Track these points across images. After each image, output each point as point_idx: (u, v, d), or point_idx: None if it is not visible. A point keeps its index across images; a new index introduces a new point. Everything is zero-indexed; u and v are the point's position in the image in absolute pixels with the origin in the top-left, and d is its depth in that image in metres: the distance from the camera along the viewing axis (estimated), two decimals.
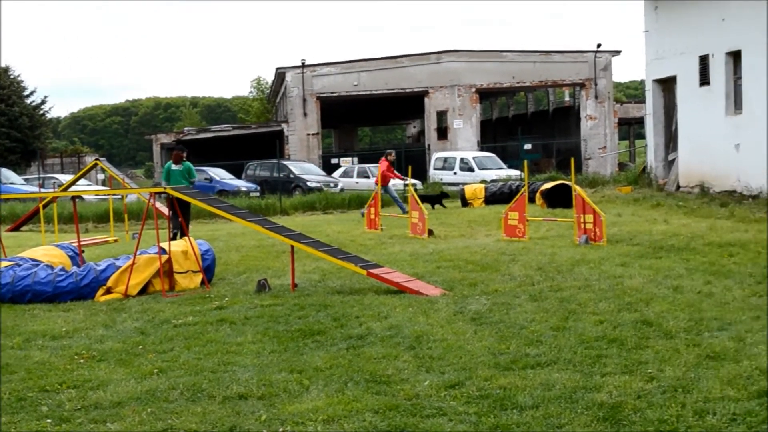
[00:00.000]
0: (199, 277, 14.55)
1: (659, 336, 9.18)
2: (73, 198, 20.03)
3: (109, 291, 13.84)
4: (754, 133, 25.00)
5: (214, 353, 9.54)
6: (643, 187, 31.87)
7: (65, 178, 47.29)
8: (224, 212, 14.76)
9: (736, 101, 26.41)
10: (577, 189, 18.60)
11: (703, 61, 27.71)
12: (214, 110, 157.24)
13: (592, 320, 10.10)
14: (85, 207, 34.23)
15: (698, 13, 27.77)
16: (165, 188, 15.54)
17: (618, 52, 59.71)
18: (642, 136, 55.27)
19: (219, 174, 48.77)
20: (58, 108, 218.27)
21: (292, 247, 14.02)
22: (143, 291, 14.01)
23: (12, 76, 67.83)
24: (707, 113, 27.48)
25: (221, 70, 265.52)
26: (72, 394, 8.19)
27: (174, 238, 17.63)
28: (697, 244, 16.02)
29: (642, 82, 39.05)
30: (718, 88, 26.95)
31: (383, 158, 28.71)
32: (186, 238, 15.26)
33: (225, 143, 62.45)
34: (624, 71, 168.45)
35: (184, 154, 21.85)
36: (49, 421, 7.38)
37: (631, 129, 74.77)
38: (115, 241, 24.08)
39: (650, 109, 32.11)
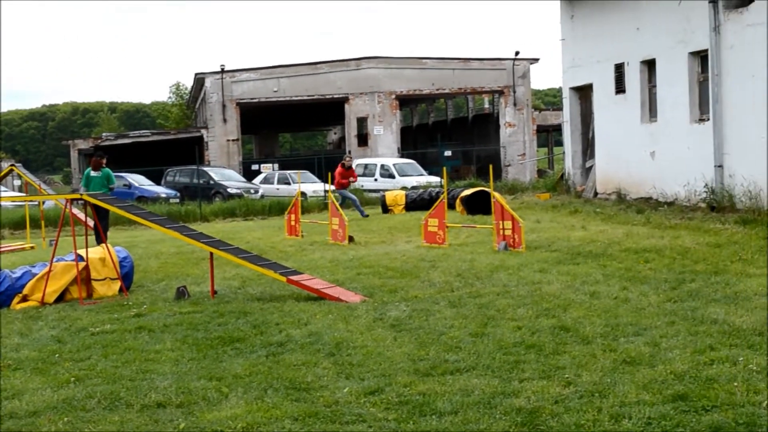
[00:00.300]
0: (118, 285, 14.42)
1: (576, 341, 9.29)
2: None
3: (25, 299, 13.65)
4: (668, 141, 25.41)
5: (133, 361, 9.45)
6: (561, 193, 32.23)
7: None
8: (142, 219, 14.65)
9: (651, 109, 26.82)
10: (496, 196, 18.74)
11: (619, 69, 28.10)
12: (133, 116, 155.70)
13: (510, 326, 10.18)
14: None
15: (613, 22, 28.14)
16: (81, 195, 15.38)
17: (536, 60, 60.33)
18: (560, 143, 55.82)
19: (138, 180, 48.31)
20: None
21: (212, 254, 13.96)
22: (60, 299, 13.84)
23: None
24: (623, 121, 27.87)
25: (140, 75, 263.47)
26: None
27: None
28: (614, 250, 16.22)
29: (560, 90, 39.52)
30: (633, 96, 27.34)
31: (340, 163, 29.58)
32: (104, 245, 15.10)
33: (144, 149, 61.85)
34: (542, 79, 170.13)
35: (104, 161, 21.83)
36: None
37: (549, 136, 75.47)
38: (32, 248, 23.77)
39: (567, 117, 32.46)
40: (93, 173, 21.66)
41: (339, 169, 29.19)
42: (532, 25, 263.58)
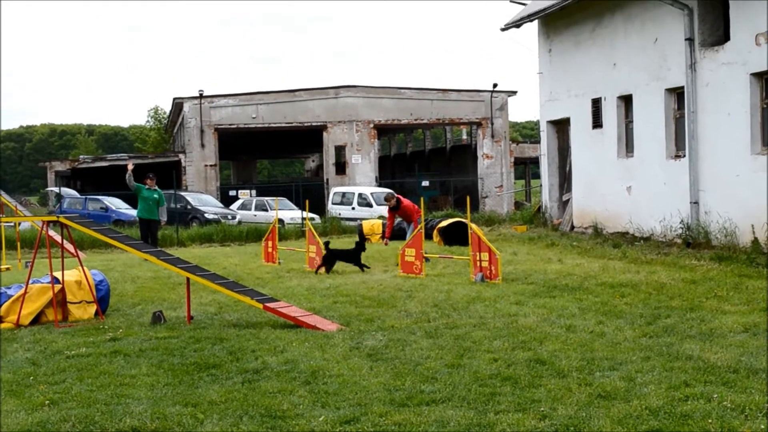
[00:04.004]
0: (93, 308, 14.36)
1: (552, 375, 9.31)
2: None
3: (0, 320, 13.58)
4: (645, 176, 25.55)
5: (108, 385, 9.42)
6: (538, 226, 32.32)
7: None
8: (119, 242, 14.58)
9: (627, 144, 26.97)
10: (473, 227, 18.79)
11: (596, 104, 28.25)
12: (111, 138, 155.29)
13: (486, 358, 10.20)
14: None
15: (591, 57, 28.31)
16: (57, 217, 15.29)
17: (514, 93, 60.74)
18: (538, 176, 56.02)
19: (115, 203, 48.24)
20: None
21: (188, 279, 13.93)
22: (35, 321, 13.78)
23: None
24: (600, 155, 28.00)
25: (118, 98, 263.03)
26: None
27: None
28: (590, 284, 16.29)
29: (537, 123, 39.67)
30: (610, 131, 27.49)
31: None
32: (79, 267, 15.03)
33: (121, 172, 61.32)
34: (520, 111, 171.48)
35: (155, 181, 26.55)
36: None
37: (527, 168, 75.85)
38: (8, 269, 23.64)
39: (545, 150, 32.57)
40: (147, 189, 26.04)
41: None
42: (511, 58, 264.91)
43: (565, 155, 31.68)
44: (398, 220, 29.77)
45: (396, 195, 22.54)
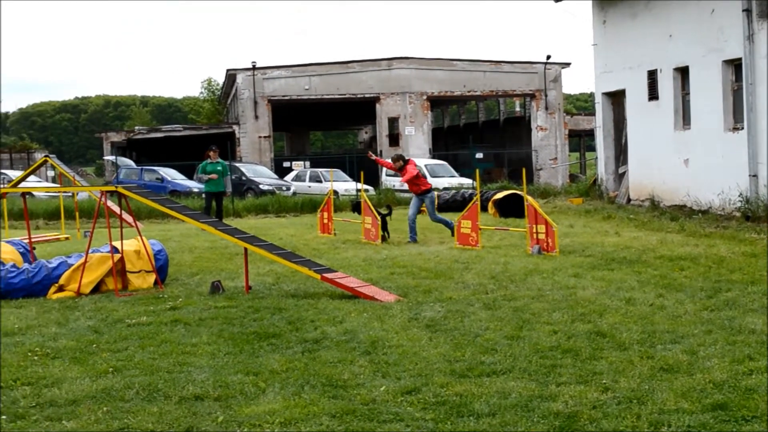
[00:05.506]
0: (152, 277, 14.48)
1: (613, 347, 9.25)
2: (24, 194, 19.83)
3: (61, 289, 13.74)
4: (702, 149, 25.29)
5: (169, 353, 9.50)
6: (594, 199, 32.14)
7: (14, 174, 46.87)
8: (177, 213, 14.65)
9: (684, 117, 26.70)
10: (529, 199, 18.70)
11: (652, 76, 27.99)
12: (165, 110, 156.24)
13: (546, 330, 10.16)
14: (35, 204, 33.87)
15: (646, 29, 28.01)
16: (116, 187, 15.40)
17: (568, 65, 60.26)
18: (592, 149, 55.72)
19: (170, 174, 48.54)
20: (6, 103, 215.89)
21: (246, 249, 13.98)
22: (96, 290, 13.92)
23: None
24: (656, 128, 27.75)
25: (172, 70, 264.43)
26: (27, 391, 8.13)
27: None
28: (649, 257, 16.17)
29: (592, 95, 39.38)
30: (666, 103, 27.23)
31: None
32: (138, 237, 15.14)
33: (176, 143, 62.07)
34: (574, 83, 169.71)
35: (217, 153, 27.06)
36: (4, 417, 7.32)
37: (581, 141, 75.34)
38: (67, 238, 23.89)
39: (600, 122, 32.35)
40: (210, 163, 26.38)
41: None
42: (565, 29, 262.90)
43: (620, 127, 31.44)
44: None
45: (407, 159, 21.95)
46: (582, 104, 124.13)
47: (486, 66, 59.24)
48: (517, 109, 72.90)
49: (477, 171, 22.19)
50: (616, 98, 31.37)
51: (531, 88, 59.11)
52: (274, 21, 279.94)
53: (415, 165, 22.18)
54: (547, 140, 58.93)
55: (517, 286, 13.43)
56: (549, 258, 16.68)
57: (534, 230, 17.86)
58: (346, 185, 45.37)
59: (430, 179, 46.33)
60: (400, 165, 21.64)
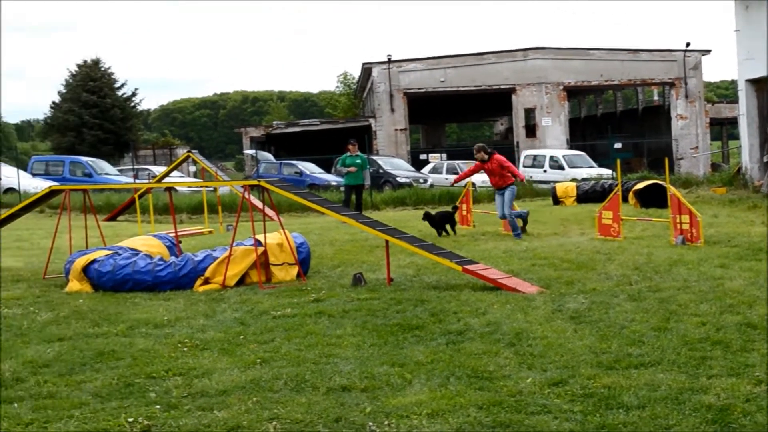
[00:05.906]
0: (295, 270, 14.65)
1: (765, 339, 9.01)
2: (168, 189, 20.27)
3: (207, 281, 13.99)
4: None
5: (315, 345, 9.60)
6: (738, 188, 31.42)
7: (158, 169, 48.03)
8: (319, 206, 14.83)
9: None
10: (672, 189, 18.38)
11: None
12: (301, 105, 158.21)
13: (693, 321, 9.96)
14: (178, 198, 34.66)
15: None
16: (258, 181, 15.63)
17: (708, 52, 58.98)
18: (735, 137, 54.43)
19: (309, 168, 49.07)
20: (148, 100, 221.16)
21: (387, 241, 14.04)
22: (240, 282, 14.14)
23: (102, 69, 68.82)
24: None
25: (307, 65, 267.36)
26: (178, 381, 8.31)
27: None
28: None
29: (733, 82, 38.48)
30: None
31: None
32: (280, 230, 15.34)
33: (313, 137, 62.74)
34: (714, 71, 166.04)
35: (356, 146, 27.43)
36: (158, 407, 7.48)
37: (723, 129, 73.81)
38: (210, 232, 24.38)
39: (743, 110, 31.60)
40: (350, 156, 26.92)
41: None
42: (704, 16, 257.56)
43: (765, 115, 30.67)
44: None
45: (490, 150, 20.43)
46: (723, 92, 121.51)
47: (623, 54, 58.47)
48: (656, 97, 71.72)
49: (618, 161, 21.90)
50: (761, 85, 30.61)
51: (670, 76, 58.11)
52: (409, 14, 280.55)
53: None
54: (688, 129, 57.86)
55: (662, 277, 13.20)
56: (693, 248, 16.36)
57: (678, 220, 17.54)
58: (483, 177, 45.18)
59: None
60: (482, 157, 20.33)
